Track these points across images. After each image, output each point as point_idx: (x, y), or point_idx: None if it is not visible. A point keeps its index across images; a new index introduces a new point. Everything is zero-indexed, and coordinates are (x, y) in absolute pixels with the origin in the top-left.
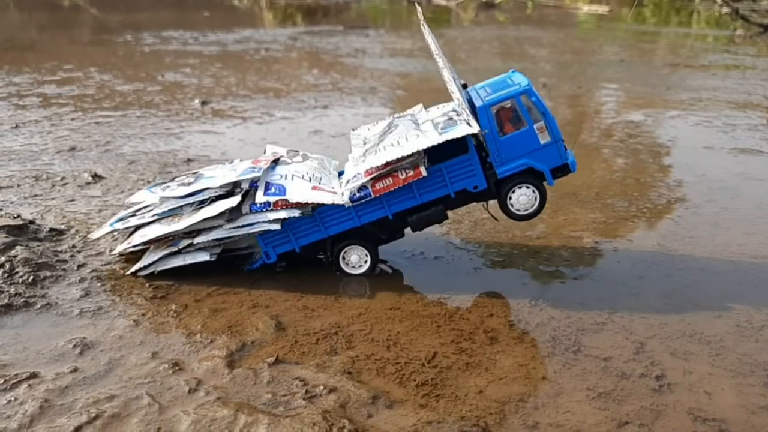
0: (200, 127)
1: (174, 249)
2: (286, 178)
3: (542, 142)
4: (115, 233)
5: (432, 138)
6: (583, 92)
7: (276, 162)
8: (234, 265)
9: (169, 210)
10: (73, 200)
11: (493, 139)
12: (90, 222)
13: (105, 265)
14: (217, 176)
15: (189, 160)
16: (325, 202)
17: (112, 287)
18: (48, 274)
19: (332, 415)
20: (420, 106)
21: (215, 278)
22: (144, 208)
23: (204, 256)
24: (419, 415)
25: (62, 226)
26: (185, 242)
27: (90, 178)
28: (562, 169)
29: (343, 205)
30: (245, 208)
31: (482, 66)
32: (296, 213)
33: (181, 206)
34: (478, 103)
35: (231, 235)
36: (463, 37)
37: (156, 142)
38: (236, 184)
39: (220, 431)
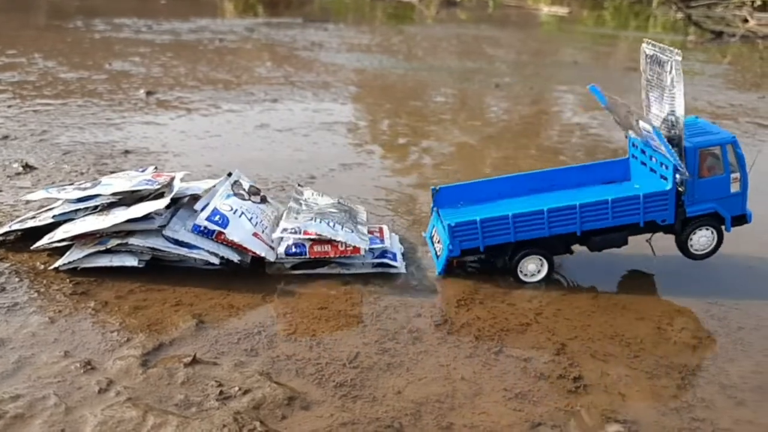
0: (143, 117)
1: (102, 248)
2: (234, 213)
3: (732, 191)
4: (18, 233)
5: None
6: (534, 93)
7: (236, 194)
8: (157, 262)
9: (63, 213)
10: None
11: (691, 180)
12: (15, 214)
13: (26, 260)
14: (113, 184)
15: (127, 152)
16: (258, 253)
17: (31, 283)
18: None
19: (244, 416)
20: (362, 207)
21: (140, 274)
22: (45, 210)
23: (132, 261)
24: (334, 416)
25: None
26: (115, 242)
27: (20, 169)
28: (740, 219)
29: (537, 212)
30: (188, 225)
31: (438, 64)
32: (235, 258)
33: (75, 210)
34: (687, 144)
35: (168, 250)
36: (423, 34)
37: (95, 133)
38: (131, 194)
39: None
